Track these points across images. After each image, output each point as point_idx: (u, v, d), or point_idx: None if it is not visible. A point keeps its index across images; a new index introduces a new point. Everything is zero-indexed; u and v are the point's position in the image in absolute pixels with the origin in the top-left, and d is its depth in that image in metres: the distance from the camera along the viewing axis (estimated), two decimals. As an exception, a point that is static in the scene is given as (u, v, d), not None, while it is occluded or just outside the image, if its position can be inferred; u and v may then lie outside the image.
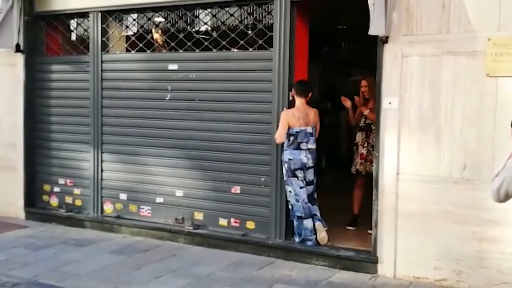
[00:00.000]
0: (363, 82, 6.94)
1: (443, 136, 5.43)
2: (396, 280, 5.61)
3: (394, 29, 5.55)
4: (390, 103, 5.62)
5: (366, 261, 5.84)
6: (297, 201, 6.19)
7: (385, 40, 5.56)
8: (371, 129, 6.71)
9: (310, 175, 6.30)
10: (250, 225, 6.59)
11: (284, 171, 6.22)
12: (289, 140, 6.18)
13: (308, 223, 6.21)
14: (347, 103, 6.88)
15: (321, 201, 6.58)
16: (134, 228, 7.23)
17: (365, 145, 6.95)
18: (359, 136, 7.01)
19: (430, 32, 5.44)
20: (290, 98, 6.29)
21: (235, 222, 6.69)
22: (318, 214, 6.33)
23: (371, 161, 6.64)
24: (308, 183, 6.27)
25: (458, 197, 5.36)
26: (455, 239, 5.38)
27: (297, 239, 6.30)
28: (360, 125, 7.00)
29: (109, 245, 6.84)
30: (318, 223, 6.26)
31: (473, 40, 5.27)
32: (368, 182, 6.28)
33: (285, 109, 6.26)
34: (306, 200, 6.22)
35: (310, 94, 6.32)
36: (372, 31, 5.46)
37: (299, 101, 6.23)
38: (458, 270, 5.39)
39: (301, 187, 6.20)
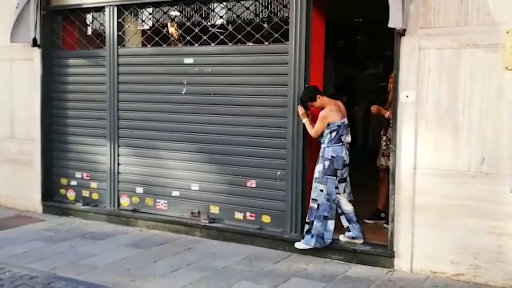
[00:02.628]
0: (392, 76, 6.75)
1: (460, 129, 5.39)
2: (413, 275, 5.59)
3: (411, 21, 5.51)
4: (407, 96, 5.58)
5: (383, 255, 5.82)
6: (328, 200, 6.01)
7: (402, 33, 5.51)
8: (389, 122, 6.64)
9: (346, 173, 6.14)
10: (266, 219, 6.59)
11: (321, 168, 6.02)
12: (330, 136, 6.02)
13: (331, 224, 6.03)
14: (380, 111, 6.71)
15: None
16: (151, 222, 7.26)
17: (383, 138, 6.86)
18: (383, 131, 6.92)
19: (448, 25, 5.39)
20: (319, 106, 6.15)
21: (251, 216, 6.69)
22: (355, 217, 6.14)
23: (388, 156, 6.59)
24: (341, 181, 6.11)
25: (476, 191, 5.32)
26: (472, 234, 5.34)
27: (314, 244, 6.03)
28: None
29: (125, 238, 6.88)
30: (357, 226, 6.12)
31: (491, 32, 5.21)
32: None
33: (300, 106, 6.19)
34: (336, 200, 6.07)
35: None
36: (390, 24, 5.42)
37: (323, 99, 6.11)
38: (475, 264, 5.35)
39: (335, 187, 6.04)
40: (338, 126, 6.03)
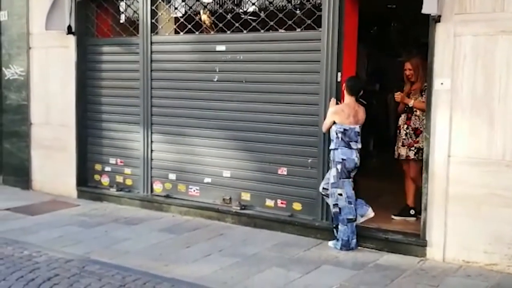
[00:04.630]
0: (407, 65, 6.59)
1: (496, 118, 5.29)
2: (445, 264, 5.54)
3: (446, 7, 5.42)
4: (442, 83, 5.50)
5: (415, 244, 5.78)
6: (350, 203, 5.94)
7: (437, 19, 5.43)
8: (413, 111, 6.51)
9: (355, 175, 6.10)
10: (297, 206, 6.60)
11: (335, 173, 5.94)
12: (337, 137, 5.94)
13: (354, 226, 5.97)
14: (404, 99, 6.58)
15: (366, 185, 6.49)
16: (183, 208, 7.34)
17: (404, 127, 6.61)
18: (402, 119, 6.67)
19: (484, 11, 5.29)
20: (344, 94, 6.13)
21: (282, 203, 6.71)
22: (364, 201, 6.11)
23: (410, 146, 6.50)
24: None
25: (510, 180, 5.23)
26: (507, 224, 5.27)
27: (336, 245, 5.99)
28: (404, 107, 6.66)
29: (158, 223, 6.96)
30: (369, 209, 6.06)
31: (529, 19, 5.10)
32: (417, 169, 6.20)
33: (333, 100, 6.14)
34: (354, 201, 5.99)
35: (361, 92, 6.15)
36: (425, 10, 5.34)
37: (350, 98, 6.02)
38: (510, 254, 5.28)
39: (352, 188, 5.98)
40: (345, 129, 5.90)
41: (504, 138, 5.26)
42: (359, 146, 6.01)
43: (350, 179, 5.99)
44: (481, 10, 5.30)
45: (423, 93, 6.32)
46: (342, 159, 5.92)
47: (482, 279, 5.16)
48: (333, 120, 5.97)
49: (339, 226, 6.00)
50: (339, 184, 5.96)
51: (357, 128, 5.99)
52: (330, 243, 6.09)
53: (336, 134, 5.95)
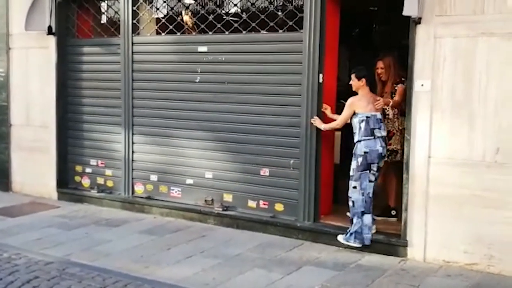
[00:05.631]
0: (379, 63, 6.55)
1: (476, 119, 5.34)
2: (426, 264, 5.58)
3: (427, 9, 5.46)
4: (422, 85, 5.54)
5: (396, 244, 5.81)
6: (362, 195, 5.87)
7: (418, 21, 5.47)
8: (386, 114, 6.44)
9: (382, 163, 6.02)
10: (279, 207, 6.61)
11: (355, 166, 5.88)
12: (360, 128, 5.89)
13: (368, 218, 5.89)
14: (327, 111, 6.37)
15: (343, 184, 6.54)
16: (165, 209, 7.31)
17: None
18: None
19: (464, 13, 5.33)
20: (354, 89, 6.11)
21: (264, 204, 6.71)
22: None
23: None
24: (377, 170, 5.98)
25: (491, 181, 5.28)
26: (486, 224, 5.32)
27: (353, 242, 5.89)
28: None
29: (139, 225, 6.93)
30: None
31: (508, 21, 5.15)
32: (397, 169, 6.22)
33: (316, 118, 6.21)
34: (370, 194, 5.92)
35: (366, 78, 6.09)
36: (406, 12, 5.38)
37: (362, 88, 6.00)
38: (489, 254, 5.33)
39: (370, 181, 5.89)
40: (367, 117, 5.87)
41: (484, 139, 5.31)
42: (384, 133, 5.96)
43: (369, 172, 5.89)
44: (461, 12, 5.34)
45: (393, 95, 6.36)
46: (365, 152, 5.86)
47: (462, 279, 5.20)
48: (352, 111, 5.94)
49: (354, 219, 5.93)
50: (356, 177, 5.91)
51: (378, 115, 5.96)
52: (340, 237, 6.00)
53: (359, 124, 5.91)
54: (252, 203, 6.80)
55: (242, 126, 6.81)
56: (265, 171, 6.69)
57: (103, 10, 8.09)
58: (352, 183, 5.94)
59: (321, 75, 6.25)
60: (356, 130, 5.96)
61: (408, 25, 5.61)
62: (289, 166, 6.51)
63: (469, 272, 5.35)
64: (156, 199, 7.47)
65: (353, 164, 5.95)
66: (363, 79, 6.01)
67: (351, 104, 5.98)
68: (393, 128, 6.47)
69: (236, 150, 6.87)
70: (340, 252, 5.93)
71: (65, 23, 8.13)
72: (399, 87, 6.32)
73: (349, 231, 5.97)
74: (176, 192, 7.35)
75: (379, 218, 6.49)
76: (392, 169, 6.52)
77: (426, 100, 5.53)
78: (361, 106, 5.92)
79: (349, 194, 5.97)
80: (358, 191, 5.91)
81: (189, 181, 7.23)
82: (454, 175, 5.45)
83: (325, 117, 6.32)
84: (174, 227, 6.82)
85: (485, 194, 5.31)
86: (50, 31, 7.95)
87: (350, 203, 5.97)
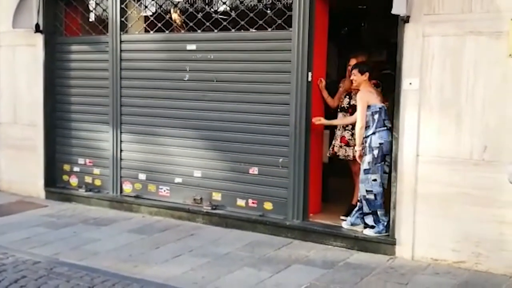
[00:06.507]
0: (352, 61, 6.48)
1: (464, 117, 5.37)
2: (414, 262, 5.60)
3: (415, 8, 5.48)
4: (410, 83, 5.56)
5: (384, 242, 5.83)
6: (381, 186, 5.93)
7: (406, 19, 5.49)
8: (354, 111, 6.40)
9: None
10: (268, 206, 6.60)
11: (371, 159, 5.90)
12: (374, 119, 5.91)
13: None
14: (321, 84, 6.50)
15: (336, 183, 6.53)
16: (153, 208, 7.28)
17: (348, 127, 6.55)
18: (340, 118, 6.63)
19: (452, 12, 5.35)
20: (355, 84, 6.16)
21: (253, 202, 6.70)
22: None
23: (355, 145, 6.48)
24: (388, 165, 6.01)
25: (478, 179, 5.31)
26: (474, 222, 5.34)
27: (382, 229, 5.91)
28: (342, 105, 6.63)
29: (128, 224, 6.90)
30: None
31: (496, 20, 5.17)
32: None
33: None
34: (385, 186, 5.95)
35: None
36: (394, 10, 5.39)
37: (366, 81, 6.03)
38: (477, 252, 5.36)
39: (385, 172, 5.93)
40: (380, 108, 5.91)
41: (471, 137, 5.34)
42: (390, 125, 5.96)
43: (384, 163, 5.93)
44: (450, 11, 5.36)
45: None
46: (380, 143, 5.89)
47: (450, 277, 5.22)
48: (366, 103, 5.94)
49: (379, 212, 5.94)
50: (374, 170, 5.93)
51: (385, 106, 6.02)
52: (367, 231, 5.98)
53: (373, 116, 5.94)
54: (241, 202, 6.79)
55: (231, 125, 6.79)
56: (254, 170, 6.68)
57: (91, 8, 8.04)
58: (372, 176, 5.94)
59: (310, 74, 6.25)
60: (369, 123, 5.96)
61: (396, 24, 5.62)
62: (278, 164, 6.51)
63: (457, 270, 5.37)
64: (144, 198, 7.45)
65: (368, 158, 5.95)
66: (366, 73, 6.04)
67: (364, 97, 5.97)
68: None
69: (225, 149, 6.86)
70: (329, 251, 5.94)
71: (53, 21, 8.08)
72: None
73: (379, 223, 5.95)
74: (164, 191, 7.33)
75: (346, 218, 6.30)
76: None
77: (414, 98, 5.55)
78: (373, 98, 5.96)
79: (368, 188, 5.94)
80: (379, 184, 5.93)
81: (178, 180, 7.21)
82: (442, 173, 5.47)
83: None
84: (163, 226, 6.79)
85: (473, 192, 5.33)
86: (37, 29, 7.90)
87: (371, 196, 5.93)
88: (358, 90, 6.24)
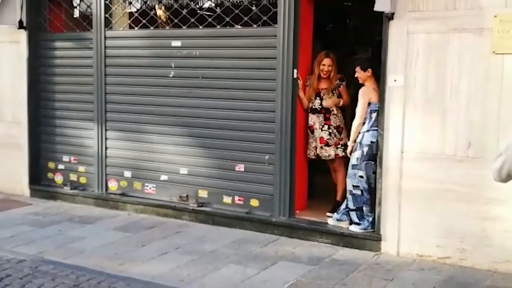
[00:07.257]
0: (327, 61, 6.51)
1: (448, 114, 5.40)
2: (399, 258, 5.63)
3: (400, 5, 5.49)
4: (395, 80, 5.58)
5: (370, 239, 5.85)
6: (368, 184, 5.94)
7: (390, 16, 5.50)
8: (330, 110, 6.51)
9: None
10: (254, 202, 6.61)
11: (360, 155, 5.92)
12: (371, 118, 5.90)
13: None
14: (300, 83, 6.43)
15: (322, 180, 6.55)
16: (139, 206, 7.25)
17: (325, 128, 6.55)
18: (313, 119, 6.57)
19: (436, 9, 5.38)
20: (361, 81, 6.10)
21: (239, 199, 6.70)
22: None
23: (336, 144, 6.54)
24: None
25: (463, 175, 5.35)
26: (459, 218, 5.38)
27: (368, 225, 5.93)
28: (314, 107, 6.57)
29: (113, 222, 6.87)
30: None
31: (479, 17, 5.21)
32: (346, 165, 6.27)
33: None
34: (373, 185, 5.94)
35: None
36: (377, 7, 5.41)
37: (372, 80, 5.99)
38: (461, 248, 5.40)
39: (373, 171, 5.91)
40: (379, 107, 5.85)
41: (456, 134, 5.37)
42: None
43: (373, 162, 5.89)
44: (434, 8, 5.39)
45: (334, 92, 6.52)
46: (371, 141, 5.88)
47: (435, 272, 5.26)
48: (368, 100, 5.92)
49: (364, 208, 5.96)
50: (361, 167, 5.94)
51: None
52: (352, 228, 5.99)
53: (371, 114, 5.92)
54: (227, 199, 6.78)
55: (217, 122, 6.78)
56: (240, 167, 6.68)
57: (75, 4, 7.97)
58: (358, 172, 5.95)
59: (295, 71, 6.25)
60: (366, 120, 5.95)
61: (381, 21, 5.64)
62: (264, 161, 6.51)
63: (442, 266, 5.41)
64: (130, 196, 7.41)
65: (357, 154, 5.96)
66: (369, 70, 6.01)
67: (366, 93, 5.95)
68: (341, 123, 6.60)
69: (211, 146, 6.84)
70: (315, 247, 5.96)
71: (37, 18, 8.00)
72: (343, 88, 6.60)
73: (363, 219, 5.97)
74: (150, 188, 7.31)
75: (332, 215, 6.30)
76: (341, 165, 6.59)
77: (399, 95, 5.58)
78: (374, 96, 5.93)
79: (354, 183, 5.97)
80: (365, 180, 5.95)
81: (164, 177, 7.19)
82: (427, 169, 5.50)
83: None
84: (149, 224, 6.77)
85: (457, 188, 5.37)
86: (21, 25, 7.82)
87: (357, 192, 5.95)
88: (327, 89, 6.44)
